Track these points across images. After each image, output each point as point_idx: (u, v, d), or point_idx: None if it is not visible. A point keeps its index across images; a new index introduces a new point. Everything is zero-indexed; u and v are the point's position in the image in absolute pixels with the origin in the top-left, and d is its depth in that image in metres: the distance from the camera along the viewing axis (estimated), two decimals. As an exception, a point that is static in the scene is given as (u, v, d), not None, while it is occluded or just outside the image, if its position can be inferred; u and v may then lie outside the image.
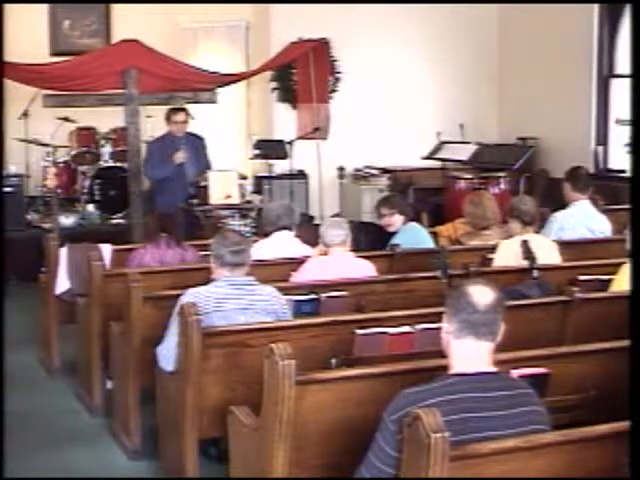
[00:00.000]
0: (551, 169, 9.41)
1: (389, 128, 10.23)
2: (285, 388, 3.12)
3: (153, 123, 9.04)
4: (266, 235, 5.67)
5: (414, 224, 6.25)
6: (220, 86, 8.41)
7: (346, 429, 3.27)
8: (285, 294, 4.42)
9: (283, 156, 9.26)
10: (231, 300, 4.20)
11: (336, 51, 10.09)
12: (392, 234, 6.06)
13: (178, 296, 4.22)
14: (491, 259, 5.46)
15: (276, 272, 5.09)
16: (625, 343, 3.21)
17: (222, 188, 7.56)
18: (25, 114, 9.42)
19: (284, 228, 5.58)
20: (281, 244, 5.53)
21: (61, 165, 9.46)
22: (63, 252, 6.04)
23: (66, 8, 10.39)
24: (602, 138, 9.18)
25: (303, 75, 9.99)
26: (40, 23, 10.26)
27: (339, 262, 5.04)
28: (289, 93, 10.14)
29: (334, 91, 10.19)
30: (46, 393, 5.77)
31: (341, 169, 10.22)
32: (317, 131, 9.57)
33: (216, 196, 7.53)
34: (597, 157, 9.17)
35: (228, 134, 10.47)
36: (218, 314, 4.14)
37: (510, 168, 8.85)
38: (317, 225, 7.68)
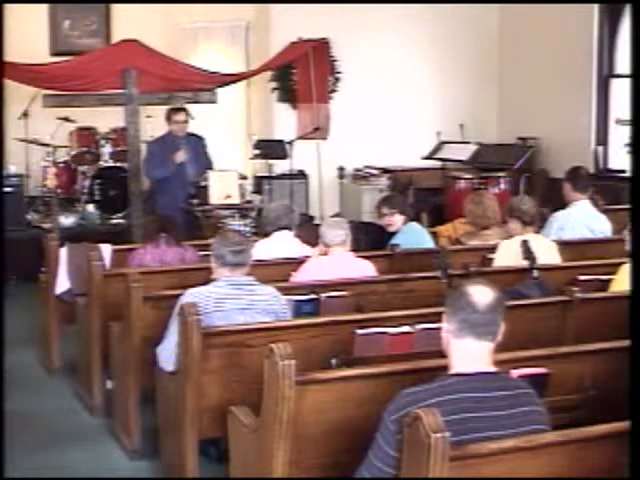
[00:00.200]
0: (551, 169, 9.42)
1: (389, 128, 10.22)
2: (285, 388, 3.12)
3: (153, 123, 9.04)
4: (266, 235, 5.67)
5: (414, 224, 6.24)
6: (220, 86, 8.41)
7: (346, 429, 3.27)
8: (285, 294, 4.42)
9: (283, 156, 9.27)
10: (231, 300, 4.20)
11: (336, 51, 10.09)
12: (392, 234, 6.06)
13: (178, 296, 4.22)
14: (491, 259, 5.46)
15: (276, 272, 5.09)
16: (625, 343, 3.21)
17: (222, 188, 7.57)
18: (25, 114, 9.42)
19: (284, 228, 5.58)
20: (281, 244, 5.53)
21: (61, 165, 9.46)
22: (63, 252, 6.04)
23: (66, 8, 10.39)
24: (602, 138, 9.18)
25: (303, 75, 9.99)
26: (40, 23, 10.25)
27: (339, 262, 5.04)
28: (289, 93, 10.14)
29: (334, 91, 10.19)
30: (46, 393, 5.77)
31: (341, 169, 10.22)
32: (317, 131, 9.57)
33: (216, 196, 7.53)
34: (597, 157, 9.17)
35: (228, 134, 10.47)
36: (218, 314, 4.14)
37: (510, 168, 8.86)
38: (317, 225, 7.68)
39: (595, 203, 6.50)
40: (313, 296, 4.60)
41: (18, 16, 9.45)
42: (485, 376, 2.78)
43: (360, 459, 2.85)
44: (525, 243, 5.01)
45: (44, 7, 10.28)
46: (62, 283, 6.00)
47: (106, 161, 9.50)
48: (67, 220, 9.02)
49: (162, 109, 8.14)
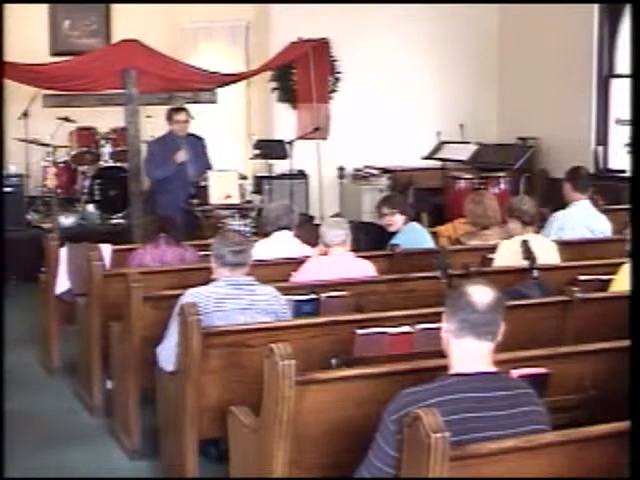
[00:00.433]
0: (551, 169, 9.42)
1: (389, 128, 10.22)
2: (285, 388, 3.12)
3: (153, 123, 9.04)
4: (266, 235, 5.67)
5: (415, 224, 6.24)
6: (220, 86, 8.41)
7: (346, 429, 3.27)
8: (285, 294, 4.42)
9: (283, 156, 9.27)
10: (231, 300, 4.20)
11: (336, 51, 10.09)
12: (393, 234, 6.06)
13: (178, 296, 4.22)
14: (491, 259, 5.46)
15: (276, 272, 5.09)
16: (625, 343, 3.21)
17: (222, 188, 7.56)
18: (25, 114, 9.42)
19: (284, 228, 5.58)
20: (281, 244, 5.53)
21: (61, 165, 9.46)
22: (63, 252, 6.04)
23: (66, 8, 10.39)
24: (602, 138, 9.18)
25: (303, 75, 9.99)
26: (40, 23, 10.25)
27: (339, 262, 5.04)
28: (289, 93, 10.14)
29: (334, 91, 10.19)
30: (46, 393, 5.77)
31: (341, 169, 10.22)
32: (317, 131, 9.56)
33: (216, 196, 7.53)
34: (597, 157, 9.17)
35: (228, 134, 10.47)
36: (218, 314, 4.14)
37: (510, 168, 8.86)
38: (317, 225, 7.68)
39: (595, 203, 6.50)
40: (313, 296, 4.60)
41: (18, 16, 9.45)
42: (485, 376, 2.78)
43: (360, 459, 2.85)
44: (525, 243, 5.01)
45: (44, 7, 10.28)
46: (62, 283, 6.00)
47: (106, 161, 9.50)
48: (67, 220, 9.02)
49: (162, 109, 8.14)
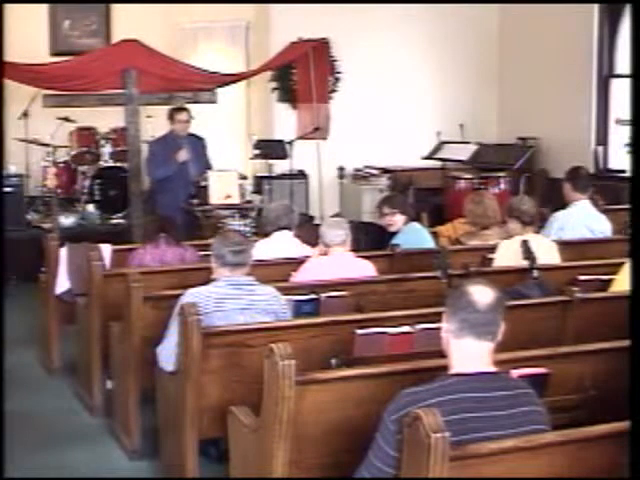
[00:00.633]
0: (551, 169, 9.42)
1: (389, 128, 10.23)
2: (285, 388, 3.12)
3: (153, 123, 9.04)
4: (266, 235, 5.67)
5: (415, 224, 6.24)
6: (220, 86, 8.40)
7: (346, 429, 3.27)
8: (285, 294, 4.42)
9: (283, 156, 9.27)
10: (231, 300, 4.20)
11: (336, 51, 10.09)
12: (393, 234, 6.06)
13: (178, 296, 4.22)
14: (491, 259, 5.46)
15: (276, 272, 5.09)
16: (625, 343, 3.21)
17: (222, 188, 7.56)
18: (25, 114, 9.43)
19: (284, 228, 5.58)
20: (281, 244, 5.53)
21: (61, 165, 9.46)
22: (63, 252, 6.04)
23: (66, 8, 10.39)
24: (602, 138, 9.18)
25: (303, 75, 9.99)
26: (40, 23, 10.26)
27: (339, 262, 5.04)
28: (289, 93, 10.14)
29: (334, 91, 10.19)
30: (46, 393, 5.77)
31: (341, 169, 10.22)
32: (317, 131, 9.56)
33: (216, 196, 7.53)
34: (597, 157, 9.17)
35: (228, 134, 10.47)
36: (218, 314, 4.14)
37: (510, 168, 8.86)
38: (317, 225, 7.68)
39: (595, 203, 6.50)
40: (313, 296, 4.60)
41: (18, 16, 9.45)
42: (485, 376, 2.78)
43: (360, 459, 2.85)
44: (525, 243, 5.01)
45: (44, 7, 10.28)
46: (62, 283, 6.00)
47: (106, 161, 9.50)
48: (67, 220, 9.03)
49: (162, 109, 8.14)
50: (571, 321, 4.39)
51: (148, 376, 4.49)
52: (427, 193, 9.28)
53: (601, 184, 7.57)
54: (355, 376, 3.36)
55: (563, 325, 4.38)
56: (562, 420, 3.10)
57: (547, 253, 5.31)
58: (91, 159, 9.54)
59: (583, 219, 6.25)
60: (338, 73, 10.16)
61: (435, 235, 6.45)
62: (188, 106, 8.01)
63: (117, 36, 9.66)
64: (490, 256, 5.48)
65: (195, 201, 7.60)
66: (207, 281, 4.33)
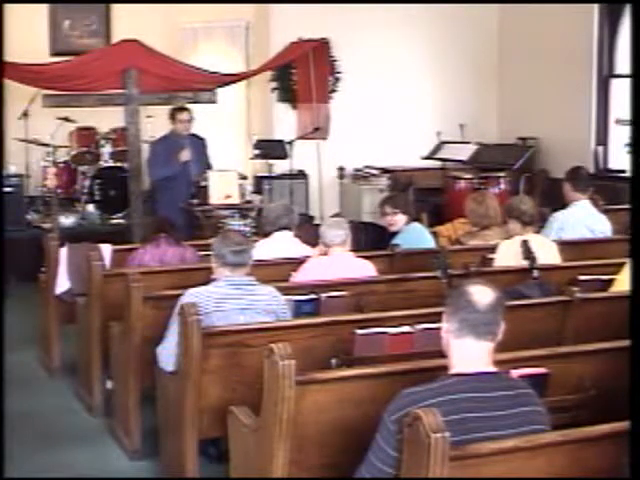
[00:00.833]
0: (551, 169, 9.41)
1: (389, 128, 10.23)
2: (285, 388, 3.12)
3: (153, 123, 9.05)
4: (266, 235, 5.67)
5: (417, 224, 6.24)
6: (220, 86, 8.40)
7: (346, 429, 3.27)
8: (285, 294, 4.42)
9: (283, 156, 9.26)
10: (231, 300, 4.20)
11: (336, 51, 10.09)
12: (394, 233, 6.06)
13: (178, 296, 4.22)
14: (491, 259, 5.46)
15: (276, 272, 5.09)
16: (625, 343, 3.21)
17: (222, 188, 7.57)
18: (25, 114, 9.43)
19: (284, 228, 5.58)
20: (281, 244, 5.53)
21: (61, 165, 9.46)
22: (63, 252, 6.04)
23: (66, 8, 10.40)
24: (602, 138, 9.18)
25: (303, 75, 9.99)
26: (40, 23, 10.26)
27: (339, 262, 5.04)
28: (289, 93, 10.14)
29: (334, 91, 10.19)
30: (46, 393, 5.77)
31: (341, 169, 10.22)
32: (317, 131, 9.56)
33: (216, 196, 7.53)
34: (597, 157, 9.17)
35: (228, 134, 10.47)
36: (218, 314, 4.14)
37: (510, 168, 8.86)
38: (317, 225, 7.68)
39: (595, 203, 6.50)
40: (313, 296, 4.60)
41: (18, 16, 9.44)
42: (485, 376, 2.78)
43: (360, 459, 2.85)
44: (525, 243, 5.01)
45: (44, 7, 10.29)
46: (62, 283, 6.00)
47: (106, 161, 9.50)
48: (67, 220, 9.03)
49: (162, 109, 8.13)
50: (571, 321, 4.39)
51: (148, 376, 4.49)
52: (427, 193, 9.28)
53: (601, 184, 7.57)
54: (355, 376, 3.36)
55: (563, 325, 4.38)
56: (562, 420, 3.10)
57: (547, 253, 5.30)
58: (91, 159, 9.54)
59: (583, 219, 6.25)
60: (338, 73, 10.16)
61: (435, 235, 6.45)
62: (188, 106, 8.01)
63: (117, 36, 9.67)
64: (490, 256, 5.48)
65: (195, 201, 7.60)
66: (207, 281, 4.33)
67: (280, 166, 9.78)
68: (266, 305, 4.25)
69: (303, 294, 4.59)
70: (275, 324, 4.15)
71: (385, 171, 9.86)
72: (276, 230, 5.58)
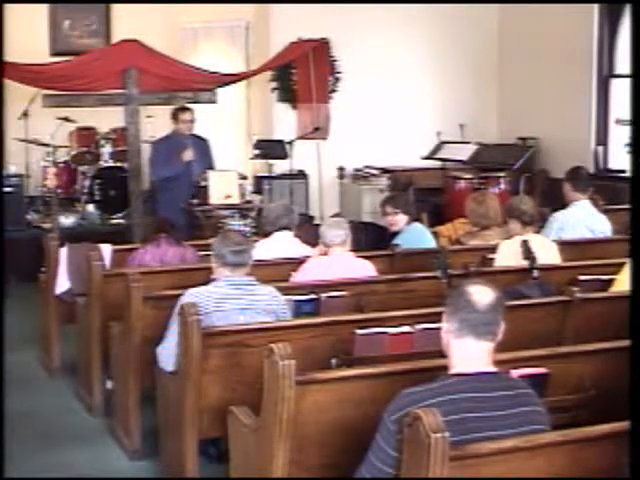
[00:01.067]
0: (551, 169, 9.41)
1: (389, 128, 10.22)
2: (285, 388, 3.12)
3: (153, 123, 9.05)
4: (266, 235, 5.67)
5: (418, 225, 6.25)
6: (220, 86, 8.40)
7: (346, 429, 3.27)
8: (285, 294, 4.42)
9: (283, 156, 9.26)
10: (231, 300, 4.20)
11: (336, 51, 10.09)
12: (395, 233, 6.06)
13: (178, 296, 4.23)
14: (491, 259, 5.46)
15: (276, 272, 5.09)
16: (625, 343, 3.21)
17: (222, 188, 7.57)
18: (25, 114, 9.43)
19: (284, 228, 5.58)
20: (281, 244, 5.53)
21: (61, 165, 9.46)
22: (63, 252, 6.04)
23: (66, 8, 10.40)
24: (602, 138, 9.18)
25: (303, 75, 9.99)
26: (40, 23, 10.26)
27: (339, 262, 5.04)
28: (289, 93, 10.14)
29: (334, 91, 10.19)
30: (46, 393, 5.77)
31: (341, 169, 10.22)
32: (317, 131, 9.56)
33: (216, 196, 7.53)
34: (597, 157, 9.17)
35: (228, 134, 10.47)
36: (218, 314, 4.14)
37: (510, 168, 8.85)
38: (317, 225, 7.68)
39: (595, 203, 6.50)
40: (313, 296, 4.60)
41: (18, 16, 9.44)
42: (485, 376, 2.78)
43: (360, 459, 2.85)
44: (525, 243, 5.01)
45: (44, 7, 10.29)
46: (62, 283, 6.00)
47: (106, 161, 9.50)
48: (67, 220, 9.03)
49: (162, 109, 8.13)
50: (571, 321, 4.39)
51: (148, 376, 4.49)
52: (427, 193, 9.28)
53: (601, 184, 7.57)
54: (355, 376, 3.36)
55: (563, 325, 4.38)
56: (562, 420, 3.10)
57: (547, 253, 5.31)
58: (91, 159, 9.54)
59: (583, 219, 6.25)
60: (338, 73, 10.16)
61: (435, 235, 6.45)
62: (190, 106, 8.01)
63: (117, 36, 9.67)
64: (490, 256, 5.48)
65: (195, 201, 7.60)
66: (207, 281, 4.33)
67: (280, 166, 9.78)
68: (266, 305, 4.25)
69: (303, 294, 4.59)
70: (275, 324, 4.15)
71: (385, 171, 9.86)
72: (276, 230, 5.58)
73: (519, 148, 9.48)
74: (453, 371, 2.82)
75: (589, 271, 5.13)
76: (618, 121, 8.63)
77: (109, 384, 5.26)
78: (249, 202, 7.84)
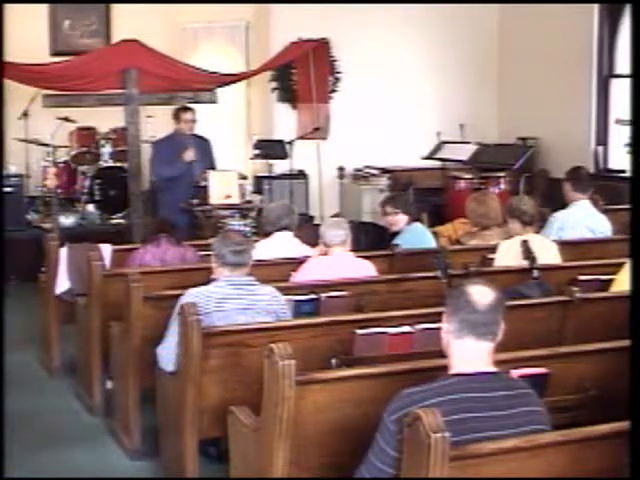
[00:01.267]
0: (551, 169, 9.42)
1: (389, 128, 10.23)
2: (285, 388, 3.12)
3: (153, 123, 9.05)
4: (266, 235, 5.67)
5: (418, 224, 6.24)
6: (220, 86, 8.40)
7: (346, 429, 3.27)
8: (285, 294, 4.42)
9: (283, 156, 9.26)
10: (231, 300, 4.20)
11: (336, 51, 10.09)
12: (395, 233, 6.06)
13: (178, 296, 4.23)
14: (491, 259, 5.46)
15: (276, 272, 5.09)
16: (625, 343, 3.21)
17: (222, 188, 7.57)
18: (25, 114, 9.43)
19: (284, 228, 5.58)
20: (282, 244, 5.53)
21: (61, 165, 9.46)
22: (63, 252, 6.04)
23: (66, 8, 10.39)
24: (602, 138, 9.18)
25: (303, 75, 9.99)
26: (40, 23, 10.26)
27: (339, 262, 5.03)
28: (289, 93, 10.14)
29: (334, 91, 10.19)
30: (46, 393, 5.77)
31: (341, 169, 10.22)
32: (317, 131, 9.56)
33: (216, 196, 7.53)
34: (597, 157, 9.17)
35: (228, 134, 10.46)
36: (218, 314, 4.14)
37: (510, 168, 8.85)
38: (317, 225, 7.67)
39: (595, 203, 6.50)
40: (313, 296, 4.60)
41: (18, 16, 9.44)
42: (485, 376, 2.78)
43: (360, 459, 2.85)
44: (525, 243, 5.01)
45: (44, 7, 10.28)
46: (62, 283, 6.00)
47: (106, 161, 9.50)
48: (67, 220, 9.03)
49: (162, 109, 8.13)
50: (571, 321, 4.39)
51: (148, 376, 4.49)
52: (427, 193, 9.28)
53: (601, 184, 7.57)
54: (355, 376, 3.36)
55: (563, 325, 4.38)
56: (562, 420, 3.10)
57: (547, 253, 5.30)
58: (91, 159, 9.54)
59: (583, 219, 6.25)
60: (338, 73, 10.16)
61: (435, 235, 6.45)
62: (191, 106, 8.01)
63: (117, 36, 9.67)
64: (490, 256, 5.48)
65: (195, 201, 7.60)
66: (207, 281, 4.33)
67: (280, 166, 9.78)
68: (266, 305, 4.25)
69: (303, 294, 4.59)
70: (275, 324, 4.15)
71: (385, 171, 9.86)
72: (277, 230, 5.58)
73: (519, 148, 9.48)
74: (453, 371, 2.82)
75: (589, 271, 5.13)
76: (618, 121, 8.64)
77: (109, 384, 5.26)
78: (249, 202, 7.85)
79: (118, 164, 9.32)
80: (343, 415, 3.28)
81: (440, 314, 2.92)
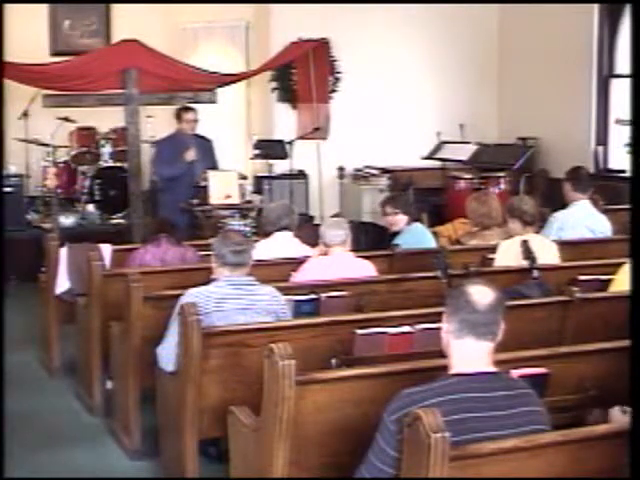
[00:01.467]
0: (551, 169, 9.41)
1: (389, 128, 10.22)
2: (285, 388, 3.12)
3: (153, 123, 9.05)
4: (266, 235, 5.67)
5: (418, 225, 6.25)
6: (220, 86, 8.40)
7: (346, 429, 3.27)
8: (285, 294, 4.42)
9: (283, 156, 9.26)
10: (231, 300, 4.20)
11: (336, 51, 10.09)
12: (395, 233, 6.06)
13: (178, 296, 4.23)
14: (491, 259, 5.46)
15: (276, 272, 5.09)
16: (625, 343, 3.21)
17: (222, 188, 7.56)
18: (25, 114, 9.43)
19: (284, 228, 5.58)
20: (282, 244, 5.53)
21: (61, 165, 9.46)
22: (63, 252, 6.04)
23: (66, 8, 10.39)
24: (602, 138, 9.18)
25: (303, 75, 9.99)
26: (40, 23, 10.26)
27: (339, 262, 5.04)
28: (289, 93, 10.14)
29: (334, 91, 10.19)
30: (46, 393, 5.77)
31: (341, 169, 10.22)
32: (317, 131, 9.56)
33: (216, 196, 7.53)
34: (597, 157, 9.17)
35: (228, 134, 10.46)
36: (218, 314, 4.14)
37: (510, 168, 8.85)
38: (317, 225, 7.68)
39: (595, 203, 6.50)
40: (313, 296, 4.60)
41: (18, 16, 9.44)
42: (485, 376, 2.78)
43: (360, 459, 2.85)
44: (525, 243, 5.01)
45: (44, 7, 10.28)
46: (62, 283, 6.00)
47: (106, 161, 9.50)
48: (67, 220, 9.03)
49: (162, 109, 8.13)
50: (571, 321, 4.39)
51: (148, 376, 4.49)
52: (427, 193, 9.27)
53: (601, 184, 7.57)
54: (355, 376, 3.36)
55: (563, 325, 4.38)
56: (562, 420, 3.10)
57: (547, 253, 5.31)
58: (91, 159, 9.54)
59: (583, 219, 6.26)
60: (338, 73, 10.16)
61: (435, 235, 6.45)
62: (193, 106, 8.01)
63: (117, 36, 9.67)
64: (490, 256, 5.48)
65: (195, 201, 7.60)
66: (207, 281, 4.33)
67: (280, 166, 9.77)
68: (266, 305, 4.25)
69: (303, 294, 4.59)
70: (275, 324, 4.15)
71: (385, 171, 9.86)
72: (277, 230, 5.58)
73: (519, 148, 9.48)
74: (453, 371, 2.82)
75: (589, 271, 5.13)
76: (618, 121, 8.64)
77: (109, 384, 5.26)
78: (249, 202, 7.85)
79: (118, 164, 9.32)
80: (343, 415, 3.28)
81: (440, 314, 2.92)
